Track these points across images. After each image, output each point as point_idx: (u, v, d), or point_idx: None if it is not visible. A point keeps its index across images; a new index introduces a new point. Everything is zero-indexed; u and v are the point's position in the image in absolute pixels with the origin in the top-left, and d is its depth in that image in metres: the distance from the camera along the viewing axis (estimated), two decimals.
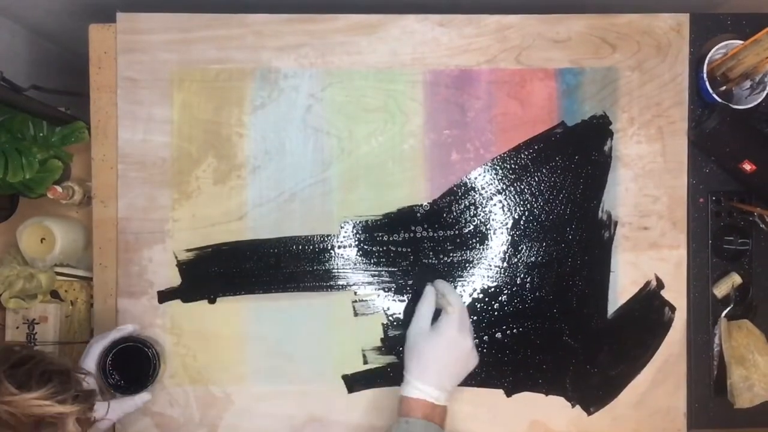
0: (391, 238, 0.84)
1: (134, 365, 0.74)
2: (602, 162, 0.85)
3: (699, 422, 0.86)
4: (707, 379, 0.86)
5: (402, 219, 0.84)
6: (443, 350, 0.74)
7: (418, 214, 0.85)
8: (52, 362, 0.57)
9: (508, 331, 0.85)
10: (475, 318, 0.85)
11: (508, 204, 0.85)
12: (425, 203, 0.85)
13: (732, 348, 0.84)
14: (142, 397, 0.74)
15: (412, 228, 0.85)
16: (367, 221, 0.84)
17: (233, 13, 0.84)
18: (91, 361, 0.73)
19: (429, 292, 0.79)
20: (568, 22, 0.86)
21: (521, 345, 0.85)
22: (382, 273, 0.84)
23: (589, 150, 0.85)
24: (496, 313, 0.85)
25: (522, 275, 0.85)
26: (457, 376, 0.75)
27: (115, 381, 0.74)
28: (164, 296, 0.82)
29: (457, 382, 0.75)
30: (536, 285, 0.85)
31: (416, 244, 0.85)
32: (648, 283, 0.85)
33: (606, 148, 0.85)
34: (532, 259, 0.85)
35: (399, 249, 0.84)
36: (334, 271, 0.84)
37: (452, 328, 0.74)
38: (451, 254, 0.85)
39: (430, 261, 0.85)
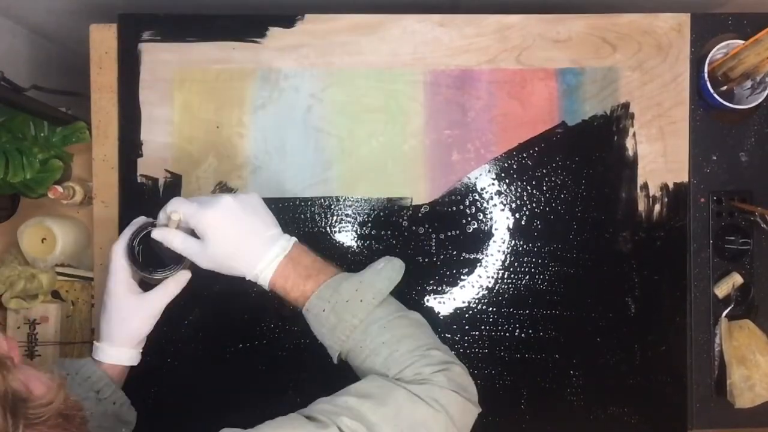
0: (391, 239, 0.84)
1: (158, 252, 0.71)
2: (614, 162, 0.85)
3: (699, 422, 0.86)
4: (708, 379, 0.86)
5: (402, 219, 0.84)
6: (235, 219, 0.64)
7: (419, 215, 0.85)
8: None
9: (509, 332, 0.85)
10: (475, 320, 0.85)
11: (509, 204, 0.85)
12: (426, 203, 0.85)
13: (733, 348, 0.84)
14: (185, 275, 0.70)
15: (413, 228, 0.85)
16: (367, 222, 0.84)
17: (233, 14, 0.84)
18: (118, 260, 0.68)
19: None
20: (568, 22, 0.85)
21: (523, 346, 0.85)
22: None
23: (589, 150, 0.85)
24: (495, 314, 0.85)
25: (523, 276, 0.85)
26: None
27: (151, 268, 0.70)
28: None
29: (269, 215, 0.68)
30: (538, 286, 0.85)
31: (417, 244, 0.84)
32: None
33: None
34: (534, 259, 0.85)
35: (399, 249, 0.84)
36: None
37: (209, 209, 0.64)
38: (452, 255, 0.85)
39: (430, 261, 0.84)
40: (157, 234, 0.67)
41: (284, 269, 0.65)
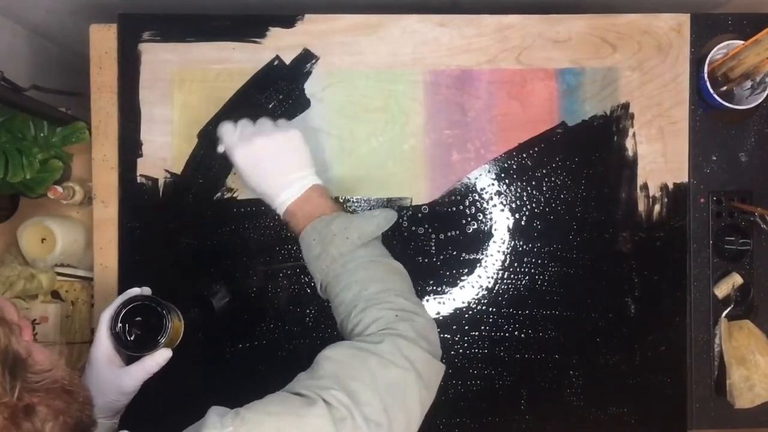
0: (391, 239, 0.84)
1: (149, 326, 0.70)
2: (612, 162, 0.86)
3: (699, 422, 0.86)
4: (707, 380, 0.86)
5: (402, 219, 0.84)
6: (264, 159, 0.71)
7: (419, 215, 0.85)
8: None
9: (509, 332, 0.85)
10: (475, 320, 0.85)
11: (509, 204, 0.85)
12: (426, 204, 0.85)
13: (733, 348, 0.84)
14: (162, 354, 0.69)
15: (413, 228, 0.85)
16: None
17: (233, 14, 0.84)
18: (103, 329, 0.69)
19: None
20: (568, 22, 0.85)
21: (523, 346, 0.85)
22: None
23: (589, 150, 0.85)
24: (495, 314, 0.85)
25: (523, 276, 0.85)
26: (289, 155, 0.72)
27: (130, 342, 0.70)
28: None
29: (300, 157, 0.72)
30: (538, 286, 0.85)
31: (417, 244, 0.84)
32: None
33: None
34: (534, 259, 0.85)
35: (399, 249, 0.84)
36: None
37: (244, 146, 0.71)
38: (452, 255, 0.85)
39: (430, 261, 0.84)
40: (219, 150, 0.75)
41: (295, 207, 0.71)
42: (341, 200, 0.84)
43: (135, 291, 0.72)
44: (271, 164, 0.71)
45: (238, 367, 0.84)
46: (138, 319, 0.70)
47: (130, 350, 0.70)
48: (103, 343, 0.69)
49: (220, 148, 0.74)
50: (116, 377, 0.68)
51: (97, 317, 0.83)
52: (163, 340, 0.70)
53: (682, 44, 0.86)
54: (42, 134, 0.87)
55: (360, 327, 0.63)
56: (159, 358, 0.69)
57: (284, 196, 0.70)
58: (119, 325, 0.69)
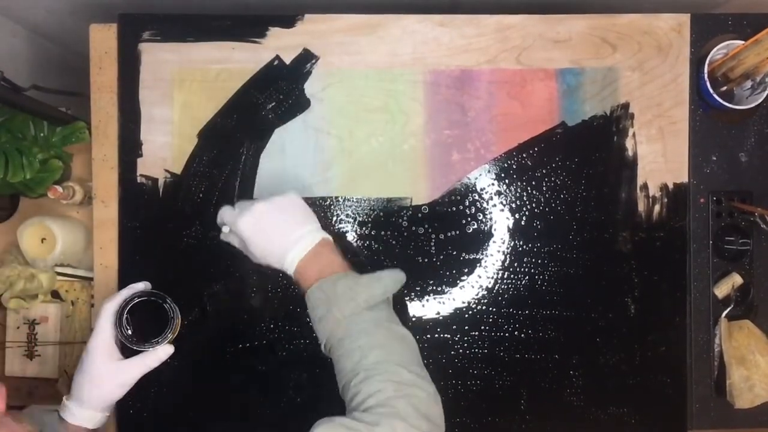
0: (391, 239, 0.84)
1: (151, 321, 0.72)
2: (614, 162, 0.85)
3: (699, 423, 0.86)
4: (708, 380, 0.86)
5: (402, 219, 0.84)
6: (268, 221, 0.70)
7: (419, 215, 0.85)
8: None
9: (509, 332, 0.85)
10: (475, 320, 0.85)
11: (508, 204, 0.85)
12: (426, 204, 0.85)
13: (733, 348, 0.84)
14: (165, 350, 0.71)
15: (413, 228, 0.85)
16: (367, 222, 0.84)
17: (233, 14, 0.84)
18: (104, 321, 0.70)
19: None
20: (568, 22, 0.85)
21: (522, 346, 0.85)
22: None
23: (589, 150, 0.85)
24: (495, 314, 0.85)
25: (523, 276, 0.85)
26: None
27: (134, 336, 0.71)
28: None
29: (303, 214, 0.72)
30: (538, 286, 0.85)
31: (417, 244, 0.84)
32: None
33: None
34: (534, 259, 0.85)
35: (399, 249, 0.84)
36: None
37: (245, 216, 0.70)
38: (451, 255, 0.85)
39: (430, 261, 0.84)
40: (222, 236, 0.75)
41: (303, 266, 0.69)
42: (341, 200, 0.84)
43: (140, 286, 0.73)
44: (276, 224, 0.70)
45: (236, 367, 0.84)
46: (138, 313, 0.71)
47: (133, 344, 0.70)
48: (104, 335, 0.69)
49: (225, 229, 0.74)
50: (115, 369, 0.69)
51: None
52: (169, 336, 0.70)
53: (682, 44, 0.86)
54: (42, 134, 0.87)
55: (359, 398, 0.60)
56: (161, 353, 0.70)
57: (294, 252, 0.68)
58: (124, 318, 0.70)
